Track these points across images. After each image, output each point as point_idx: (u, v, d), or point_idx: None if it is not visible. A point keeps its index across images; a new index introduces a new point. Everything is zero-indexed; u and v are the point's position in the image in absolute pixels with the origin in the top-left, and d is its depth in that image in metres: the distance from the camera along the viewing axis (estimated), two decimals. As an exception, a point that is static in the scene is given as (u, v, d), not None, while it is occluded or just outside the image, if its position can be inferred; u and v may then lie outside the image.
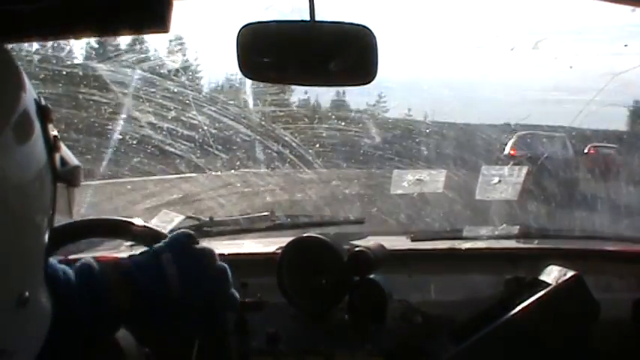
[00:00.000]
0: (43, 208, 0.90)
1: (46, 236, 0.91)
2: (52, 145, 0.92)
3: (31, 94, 0.90)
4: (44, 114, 0.92)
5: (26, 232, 0.86)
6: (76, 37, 1.22)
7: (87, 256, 2.17)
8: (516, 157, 9.40)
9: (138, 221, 1.83)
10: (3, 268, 0.82)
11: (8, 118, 0.83)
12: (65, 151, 0.97)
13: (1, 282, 0.83)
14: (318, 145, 6.75)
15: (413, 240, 2.66)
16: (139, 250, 2.34)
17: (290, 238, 2.28)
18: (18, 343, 0.88)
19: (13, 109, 0.84)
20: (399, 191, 3.98)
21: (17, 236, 0.84)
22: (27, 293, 0.87)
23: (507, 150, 10.20)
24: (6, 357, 0.84)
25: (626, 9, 2.69)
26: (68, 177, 0.97)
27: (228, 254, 2.44)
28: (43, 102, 0.93)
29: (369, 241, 2.41)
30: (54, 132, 0.93)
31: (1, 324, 0.84)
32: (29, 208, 0.86)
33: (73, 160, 1.00)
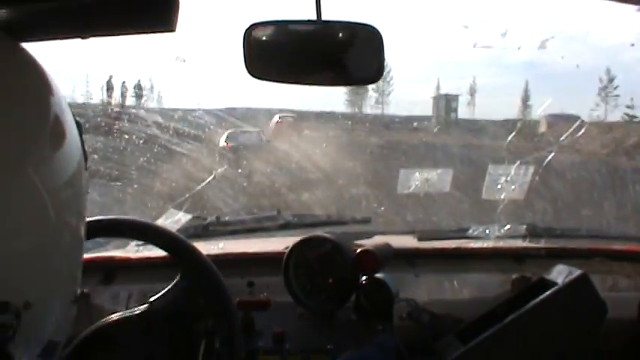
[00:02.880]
0: (83, 212, 0.92)
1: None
2: (80, 133, 0.95)
3: (57, 87, 0.91)
4: (78, 128, 0.94)
5: (78, 237, 0.89)
6: (83, 37, 1.21)
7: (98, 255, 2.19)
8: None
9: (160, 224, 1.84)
10: (66, 270, 0.86)
11: (45, 122, 0.84)
12: None
13: (64, 283, 0.86)
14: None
15: (419, 239, 2.66)
16: (147, 250, 2.36)
17: (297, 238, 2.29)
18: (66, 334, 0.92)
19: (48, 113, 0.85)
20: (406, 190, 3.98)
21: (72, 241, 0.87)
22: (79, 291, 0.91)
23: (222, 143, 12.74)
24: (58, 349, 0.88)
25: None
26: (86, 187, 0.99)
27: (235, 254, 2.45)
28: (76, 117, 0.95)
29: (376, 241, 2.41)
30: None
31: (60, 319, 0.88)
32: (74, 212, 0.88)
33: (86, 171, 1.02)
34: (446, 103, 41.98)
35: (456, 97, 44.60)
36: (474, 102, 51.08)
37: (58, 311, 0.87)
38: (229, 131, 13.80)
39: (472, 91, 51.64)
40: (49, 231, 0.81)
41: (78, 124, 0.95)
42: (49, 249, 0.82)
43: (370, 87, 49.57)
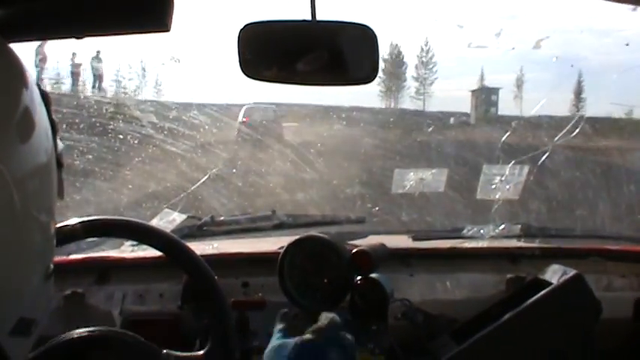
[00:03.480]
0: (55, 190, 0.93)
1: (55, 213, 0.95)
2: (55, 130, 0.95)
3: (32, 80, 0.91)
4: (45, 100, 0.94)
5: (48, 213, 0.89)
6: (77, 37, 1.21)
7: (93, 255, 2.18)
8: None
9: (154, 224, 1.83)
10: (36, 244, 0.86)
11: (13, 112, 0.84)
12: None
13: (35, 258, 0.87)
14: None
15: (414, 239, 2.66)
16: (141, 250, 2.36)
17: (291, 238, 2.29)
18: (42, 315, 0.92)
19: (18, 103, 0.85)
20: (400, 190, 3.98)
21: (42, 218, 0.87)
22: (52, 266, 0.91)
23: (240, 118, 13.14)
24: (34, 328, 0.88)
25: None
26: (59, 160, 0.99)
27: (230, 254, 2.45)
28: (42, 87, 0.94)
29: (371, 241, 2.41)
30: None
31: (35, 295, 0.88)
32: (48, 190, 0.89)
33: (59, 142, 1.01)
34: (485, 96, 39.48)
35: (496, 91, 41.79)
36: (521, 96, 47.87)
37: (27, 288, 0.87)
38: (247, 106, 14.21)
39: (519, 83, 47.84)
40: (18, 212, 0.82)
41: (53, 123, 0.95)
42: (18, 229, 0.83)
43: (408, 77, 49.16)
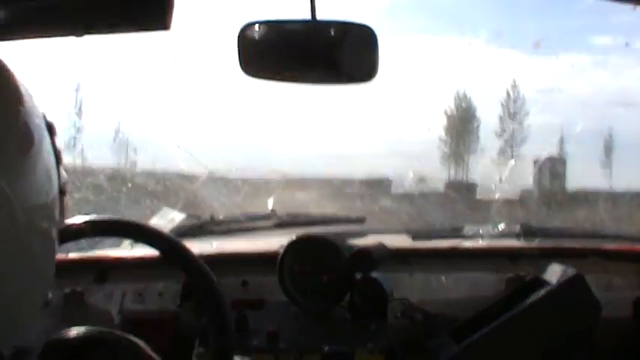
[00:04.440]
0: (55, 216, 0.93)
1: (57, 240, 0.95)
2: (58, 158, 0.94)
3: (35, 108, 0.91)
4: (50, 130, 0.94)
5: (47, 241, 0.89)
6: (78, 35, 1.21)
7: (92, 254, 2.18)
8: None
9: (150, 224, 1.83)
10: (34, 274, 0.86)
11: (15, 131, 0.84)
12: None
13: (33, 287, 0.86)
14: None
15: (414, 238, 2.66)
16: (141, 249, 2.35)
17: (291, 237, 2.29)
18: (38, 342, 0.92)
19: (18, 122, 0.85)
20: (400, 190, 3.98)
21: (40, 246, 0.87)
22: (50, 295, 0.91)
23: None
24: (30, 356, 0.88)
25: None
26: (63, 188, 0.99)
27: (229, 253, 2.45)
28: (47, 118, 0.94)
29: (370, 240, 2.41)
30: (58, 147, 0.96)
31: (31, 325, 0.88)
32: (46, 216, 0.89)
33: (63, 172, 1.02)
34: (550, 168, 35.95)
35: (563, 161, 38.04)
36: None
37: (24, 316, 0.87)
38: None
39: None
40: (19, 236, 0.81)
41: (50, 126, 0.95)
42: (18, 254, 0.82)
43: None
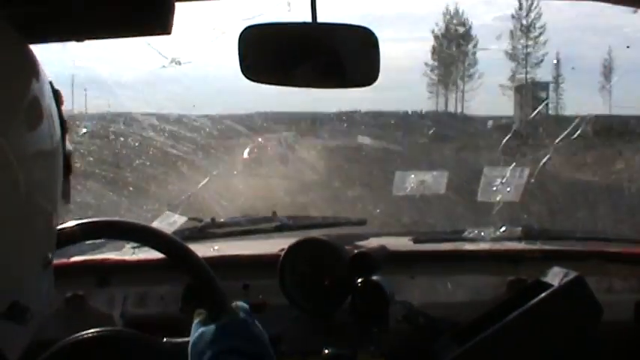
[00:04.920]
0: (59, 180, 0.93)
1: (59, 206, 0.95)
2: (64, 129, 0.95)
3: (44, 76, 0.91)
4: (57, 97, 0.94)
5: (49, 202, 0.90)
6: (78, 40, 1.21)
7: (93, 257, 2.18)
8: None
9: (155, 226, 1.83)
10: (33, 231, 0.86)
11: (23, 98, 0.84)
12: None
13: (32, 244, 0.87)
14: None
15: (415, 241, 2.66)
16: (142, 252, 2.35)
17: (292, 240, 2.29)
18: (39, 305, 0.92)
19: (28, 91, 0.86)
20: (401, 192, 3.98)
21: (45, 205, 0.88)
22: (50, 255, 0.91)
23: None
24: (29, 317, 0.88)
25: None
26: (68, 161, 0.99)
27: (231, 256, 2.45)
28: (54, 86, 0.95)
29: (371, 243, 2.41)
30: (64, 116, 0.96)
31: (31, 281, 0.88)
32: (53, 179, 0.90)
33: (68, 145, 1.02)
34: (533, 92, 32.66)
35: (546, 85, 34.99)
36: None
37: (23, 272, 0.87)
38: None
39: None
40: (20, 196, 0.82)
41: (63, 121, 0.95)
42: (20, 214, 0.83)
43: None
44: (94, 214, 1.77)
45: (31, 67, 0.89)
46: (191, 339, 1.50)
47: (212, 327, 1.49)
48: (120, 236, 1.98)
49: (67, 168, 0.99)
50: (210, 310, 1.56)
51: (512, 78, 38.89)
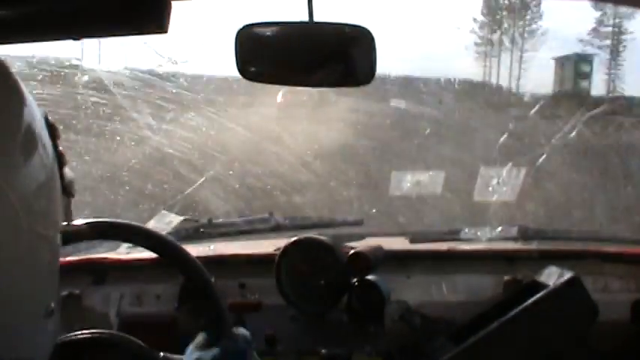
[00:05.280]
0: (58, 221, 0.91)
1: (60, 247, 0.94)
2: (60, 161, 0.94)
3: (36, 110, 0.90)
4: (52, 131, 0.93)
5: (48, 246, 0.88)
6: (75, 38, 1.21)
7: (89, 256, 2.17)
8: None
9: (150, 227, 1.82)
10: (33, 281, 0.84)
11: (17, 133, 0.83)
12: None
13: (32, 294, 0.85)
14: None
15: (411, 241, 2.66)
16: (138, 252, 2.35)
17: (288, 240, 2.29)
18: (41, 353, 0.90)
19: (20, 124, 0.85)
20: (398, 192, 3.98)
21: (40, 251, 0.86)
22: (52, 304, 0.89)
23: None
24: None
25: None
26: (68, 189, 0.98)
27: (227, 255, 2.45)
28: (49, 119, 0.94)
29: (368, 243, 2.41)
30: (60, 148, 0.95)
31: (31, 335, 0.86)
32: (48, 222, 0.88)
33: (69, 172, 1.01)
34: (575, 67, 28.63)
35: (590, 58, 29.91)
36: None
37: (26, 327, 0.86)
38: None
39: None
40: (22, 242, 0.80)
41: (52, 128, 0.94)
42: (21, 262, 0.81)
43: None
44: (90, 214, 1.77)
45: (16, 92, 0.88)
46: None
47: (210, 354, 1.48)
48: (114, 236, 1.98)
49: (69, 194, 0.99)
50: (210, 330, 1.56)
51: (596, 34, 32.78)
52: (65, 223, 1.06)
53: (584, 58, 29.59)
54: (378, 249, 2.28)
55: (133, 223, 1.67)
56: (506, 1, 34.67)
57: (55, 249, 0.91)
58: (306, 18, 1.46)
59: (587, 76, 28.68)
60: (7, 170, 0.79)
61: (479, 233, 2.73)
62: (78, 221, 1.49)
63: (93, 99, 5.70)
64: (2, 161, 0.78)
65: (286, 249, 2.25)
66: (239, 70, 1.51)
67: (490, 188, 3.54)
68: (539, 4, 33.20)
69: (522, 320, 2.04)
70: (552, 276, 2.14)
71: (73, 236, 1.52)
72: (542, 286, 2.12)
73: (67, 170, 1.01)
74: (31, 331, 0.87)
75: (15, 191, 0.79)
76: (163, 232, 1.99)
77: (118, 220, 1.72)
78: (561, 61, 29.14)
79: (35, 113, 0.89)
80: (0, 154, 0.78)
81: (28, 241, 0.82)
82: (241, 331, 1.56)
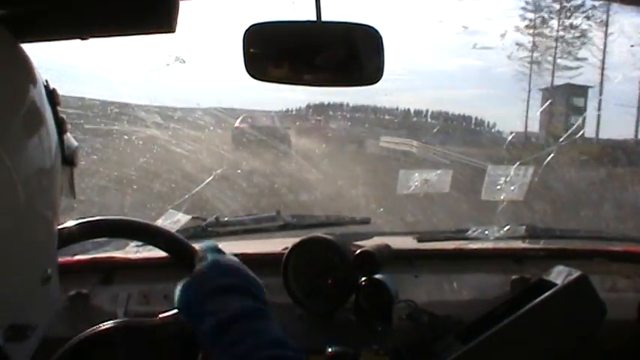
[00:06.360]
0: (57, 188, 0.93)
1: (59, 215, 0.94)
2: (61, 129, 0.94)
3: (39, 78, 0.91)
4: (52, 97, 0.94)
5: (46, 212, 0.89)
6: (82, 38, 1.22)
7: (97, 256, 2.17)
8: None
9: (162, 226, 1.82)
10: (31, 246, 0.86)
11: (20, 108, 0.84)
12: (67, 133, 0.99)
13: (29, 259, 0.87)
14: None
15: (419, 240, 2.66)
16: (146, 251, 2.35)
17: (296, 239, 2.29)
18: (41, 318, 0.91)
19: (24, 99, 0.85)
20: (405, 191, 3.98)
21: (39, 216, 0.87)
22: (49, 270, 0.90)
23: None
24: (30, 332, 0.87)
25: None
26: (70, 159, 0.98)
27: (234, 254, 2.45)
28: (50, 85, 0.94)
29: (375, 241, 2.41)
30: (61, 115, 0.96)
31: (28, 300, 0.87)
32: (49, 190, 0.89)
33: (72, 141, 1.01)
34: (567, 99, 25.82)
35: (584, 90, 27.19)
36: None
37: (22, 292, 0.87)
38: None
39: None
40: (18, 209, 0.81)
41: (60, 121, 0.94)
42: (17, 228, 0.82)
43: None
44: (98, 213, 1.77)
45: (27, 71, 0.89)
46: (176, 298, 1.47)
47: (187, 280, 1.45)
48: (124, 235, 1.98)
49: (72, 164, 0.99)
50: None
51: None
52: (59, 227, 1.06)
53: (578, 90, 26.73)
54: (386, 248, 2.28)
55: (127, 218, 1.66)
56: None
57: (57, 215, 0.92)
58: (313, 17, 1.46)
59: (580, 112, 25.41)
60: (8, 140, 0.79)
61: (486, 232, 2.73)
62: (69, 223, 1.49)
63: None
64: (3, 130, 0.79)
65: (293, 248, 2.25)
66: (246, 69, 1.51)
67: (498, 187, 3.53)
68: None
69: (530, 319, 2.04)
70: (560, 275, 2.14)
71: (75, 236, 1.52)
72: (550, 285, 2.12)
73: (70, 138, 1.01)
74: (29, 296, 0.88)
75: (15, 164, 0.79)
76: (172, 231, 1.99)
77: (129, 218, 1.72)
78: (548, 93, 26.25)
79: (38, 84, 0.90)
80: (4, 130, 0.79)
81: (26, 211, 0.83)
82: (204, 245, 1.53)
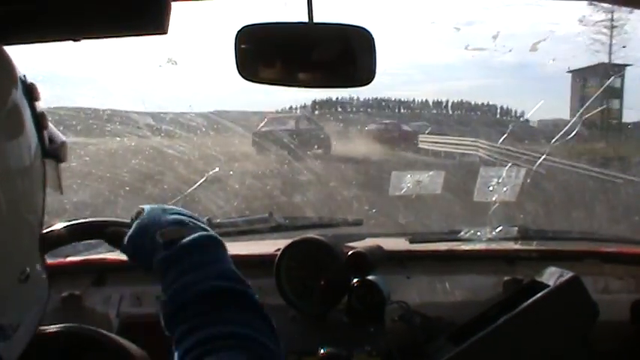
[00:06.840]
0: (38, 187, 0.92)
1: (42, 212, 0.94)
2: (40, 124, 0.93)
3: (15, 75, 0.90)
4: (30, 92, 0.93)
5: (24, 211, 0.88)
6: (74, 39, 1.21)
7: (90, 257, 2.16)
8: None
9: None
10: (5, 245, 0.85)
11: (2, 109, 0.83)
12: (51, 127, 0.98)
13: (4, 258, 0.85)
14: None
15: (411, 241, 2.66)
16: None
17: (288, 240, 2.28)
18: (20, 317, 0.90)
19: (5, 101, 0.85)
20: (397, 192, 3.99)
21: (16, 215, 0.86)
22: (28, 269, 0.89)
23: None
24: (11, 331, 0.87)
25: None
26: (56, 153, 0.98)
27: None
28: (27, 80, 0.94)
29: (367, 243, 2.41)
30: (40, 110, 0.95)
31: (4, 300, 0.87)
32: (26, 188, 0.88)
33: (60, 136, 1.00)
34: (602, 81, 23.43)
35: (621, 69, 25.00)
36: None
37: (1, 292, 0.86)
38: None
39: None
40: None
41: (30, 89, 0.93)
42: None
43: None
44: (90, 214, 1.76)
45: (8, 73, 0.88)
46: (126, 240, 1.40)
47: (137, 223, 1.38)
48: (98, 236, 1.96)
49: (59, 159, 0.98)
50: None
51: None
52: (45, 231, 1.05)
53: (616, 69, 24.10)
54: (378, 249, 2.28)
55: (114, 219, 1.64)
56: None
57: (37, 212, 0.91)
58: (305, 19, 1.46)
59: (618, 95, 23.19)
60: None
61: (479, 233, 2.73)
62: (59, 224, 1.48)
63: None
64: None
65: (286, 249, 2.25)
66: (238, 71, 1.51)
67: (490, 188, 3.54)
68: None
69: (522, 320, 2.04)
70: (552, 276, 2.14)
71: (57, 240, 1.50)
72: (542, 286, 2.12)
73: (56, 133, 1.00)
74: (5, 296, 0.87)
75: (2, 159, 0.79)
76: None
77: (115, 220, 1.70)
78: (579, 76, 23.99)
79: (18, 84, 0.89)
80: None
81: (12, 204, 0.82)
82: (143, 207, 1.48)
